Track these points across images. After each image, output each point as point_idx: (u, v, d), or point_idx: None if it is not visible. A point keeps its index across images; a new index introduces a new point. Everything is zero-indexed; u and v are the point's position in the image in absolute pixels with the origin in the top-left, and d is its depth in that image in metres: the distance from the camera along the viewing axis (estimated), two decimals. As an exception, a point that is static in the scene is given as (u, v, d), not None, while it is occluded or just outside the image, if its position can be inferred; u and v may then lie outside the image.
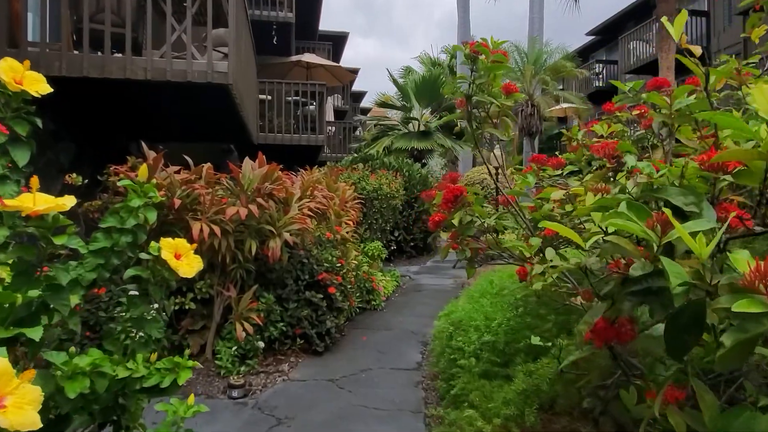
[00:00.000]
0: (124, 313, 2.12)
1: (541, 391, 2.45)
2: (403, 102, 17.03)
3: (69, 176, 5.00)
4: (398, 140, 15.68)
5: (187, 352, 4.55)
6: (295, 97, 13.10)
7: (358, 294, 6.63)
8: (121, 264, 1.93)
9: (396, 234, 10.83)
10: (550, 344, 2.87)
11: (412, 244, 11.51)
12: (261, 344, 4.74)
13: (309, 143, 12.69)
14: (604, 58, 25.87)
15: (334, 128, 19.70)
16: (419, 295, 8.09)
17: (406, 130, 17.00)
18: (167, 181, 4.61)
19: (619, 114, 3.28)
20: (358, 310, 6.57)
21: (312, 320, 5.14)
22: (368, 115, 20.76)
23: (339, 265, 5.59)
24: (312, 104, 13.12)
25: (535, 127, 13.58)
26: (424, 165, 14.54)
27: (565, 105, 16.46)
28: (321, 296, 5.18)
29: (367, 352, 5.29)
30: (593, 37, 26.13)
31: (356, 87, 30.56)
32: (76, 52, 5.52)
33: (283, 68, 15.21)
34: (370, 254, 8.13)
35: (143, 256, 1.98)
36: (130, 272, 1.97)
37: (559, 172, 3.05)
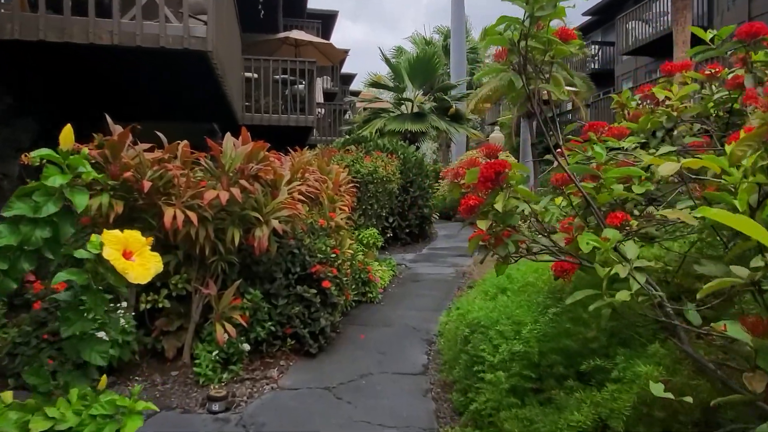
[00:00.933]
0: (62, 330, 1.51)
1: (608, 429, 1.91)
2: (396, 82, 16.32)
3: (25, 155, 4.35)
4: (391, 122, 15.01)
5: (134, 393, 3.99)
6: (283, 76, 12.37)
7: (353, 286, 6.06)
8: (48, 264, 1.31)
9: (391, 220, 10.25)
10: (601, 361, 2.32)
11: (407, 230, 10.94)
12: (246, 347, 4.16)
13: (298, 124, 12.01)
14: (600, 39, 25.29)
15: (323, 110, 19.00)
16: (418, 286, 7.54)
17: (399, 112, 16.33)
18: (136, 161, 3.97)
19: (686, 74, 2.71)
20: (353, 303, 6.00)
21: (304, 318, 4.57)
22: (359, 97, 20.04)
23: (334, 255, 5.01)
24: (301, 83, 12.41)
25: (534, 109, 12.99)
26: (417, 149, 13.93)
27: (568, 88, 15.80)
28: (314, 291, 4.60)
29: (366, 352, 4.73)
30: (590, 17, 25.49)
31: (345, 69, 29.77)
32: (31, 12, 4.82)
33: (271, 46, 14.45)
34: (365, 242, 7.55)
35: (81, 254, 1.38)
36: (60, 277, 1.39)
37: (623, 144, 2.48)
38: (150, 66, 6.14)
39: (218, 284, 4.19)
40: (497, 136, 11.03)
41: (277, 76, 12.42)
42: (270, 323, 4.35)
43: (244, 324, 4.09)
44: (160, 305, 4.11)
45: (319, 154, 6.97)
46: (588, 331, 2.61)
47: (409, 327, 5.50)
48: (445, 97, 15.80)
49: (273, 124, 11.86)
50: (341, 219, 5.82)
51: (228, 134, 4.21)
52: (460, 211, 2.34)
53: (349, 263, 5.77)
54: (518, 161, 16.57)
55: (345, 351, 4.76)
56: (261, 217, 4.07)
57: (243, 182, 3.91)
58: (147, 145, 4.14)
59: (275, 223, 4.04)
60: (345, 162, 7.80)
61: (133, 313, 4.11)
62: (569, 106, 24.66)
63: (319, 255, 4.79)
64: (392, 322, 5.72)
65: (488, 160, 2.33)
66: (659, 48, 18.54)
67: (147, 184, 3.73)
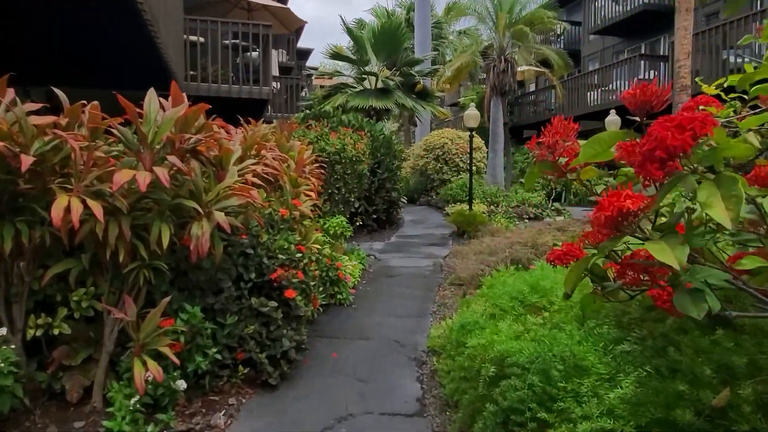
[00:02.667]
0: None
1: None
2: (359, 55, 15.09)
3: None
4: (354, 98, 13.81)
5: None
6: (234, 41, 10.99)
7: (320, 288, 5.01)
8: None
9: (357, 205, 9.19)
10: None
11: (374, 216, 9.90)
12: (181, 385, 3.04)
13: (251, 96, 10.69)
14: (565, 19, 24.69)
15: (278, 85, 17.60)
16: (393, 283, 6.54)
17: (362, 87, 15.15)
18: (15, 127, 2.75)
19: None
20: (320, 309, 4.94)
21: (261, 339, 3.48)
22: (317, 71, 18.66)
23: (299, 254, 3.92)
24: (255, 50, 11.06)
25: (508, 86, 12.10)
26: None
27: (524, 67, 15.05)
28: (275, 304, 3.51)
29: (341, 380, 3.69)
30: (555, -5, 24.78)
31: (302, 44, 28.16)
32: None
33: (220, 8, 12.95)
34: (331, 232, 6.48)
35: None
36: None
37: None
38: (59, 13, 4.81)
39: (140, 301, 3.03)
40: (473, 113, 10.07)
41: (228, 42, 11.02)
42: (215, 349, 3.24)
43: (176, 361, 2.96)
44: (56, 331, 2.93)
45: (278, 128, 5.80)
46: (715, 398, 1.66)
47: (391, 340, 4.49)
48: (412, 72, 14.71)
49: (222, 95, 10.52)
50: (306, 207, 4.72)
51: (152, 91, 3.02)
52: (592, 223, 1.34)
53: (315, 261, 4.69)
54: (488, 142, 15.74)
55: (314, 378, 3.70)
56: (200, 208, 2.93)
57: (173, 159, 2.75)
58: (35, 106, 2.91)
59: (220, 216, 2.91)
60: (308, 138, 6.65)
61: (20, 343, 2.93)
62: (533, 85, 24.12)
63: (280, 256, 3.69)
64: (369, 332, 4.70)
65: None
66: (628, 27, 18.03)
67: (27, 160, 2.53)
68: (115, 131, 2.93)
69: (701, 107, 1.68)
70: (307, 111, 10.92)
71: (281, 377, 3.54)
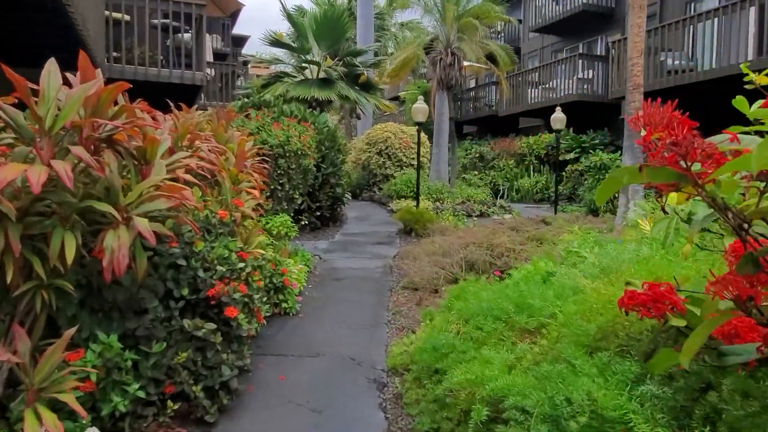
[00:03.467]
0: None
1: None
2: (300, 43, 14.38)
3: None
4: (295, 88, 13.10)
5: None
6: (164, 20, 10.04)
7: (264, 298, 4.44)
8: None
9: (300, 202, 8.61)
10: None
11: (318, 213, 9.34)
12: (93, 433, 2.43)
13: (183, 82, 9.82)
14: (505, 15, 24.86)
15: (213, 71, 16.56)
16: (341, 288, 6.05)
17: (303, 77, 14.46)
18: None
19: None
20: (264, 322, 4.38)
21: (196, 368, 2.91)
22: (254, 57, 17.67)
23: (242, 263, 3.36)
24: (187, 31, 10.16)
25: (455, 80, 11.84)
26: (324, 119, 12.24)
27: (470, 62, 14.85)
28: (212, 326, 2.94)
29: (292, 410, 3.18)
30: (496, -8, 24.92)
31: (238, 30, 26.89)
32: None
33: (147, -15, 11.84)
34: (274, 232, 5.89)
35: None
36: None
37: None
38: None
39: (38, 330, 2.39)
40: (421, 106, 9.71)
41: (156, 21, 10.06)
42: (137, 385, 2.63)
43: (82, 413, 2.33)
44: None
45: (214, 116, 5.14)
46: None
47: (345, 357, 4.01)
48: (355, 63, 14.18)
49: (151, 79, 9.58)
50: (249, 206, 4.13)
51: (52, 62, 2.36)
52: (730, 262, 0.90)
53: (259, 269, 4.12)
54: (432, 137, 15.47)
55: (260, 410, 3.16)
56: (118, 213, 2.32)
57: (77, 151, 2.13)
58: None
59: (142, 223, 2.31)
60: (248, 129, 6.01)
61: None
62: (475, 81, 24.17)
63: (219, 267, 3.11)
64: (320, 347, 4.19)
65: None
66: (568, 27, 18.30)
67: None
68: (1, 114, 2.26)
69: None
70: (246, 99, 10.16)
71: (220, 411, 2.98)
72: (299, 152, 6.35)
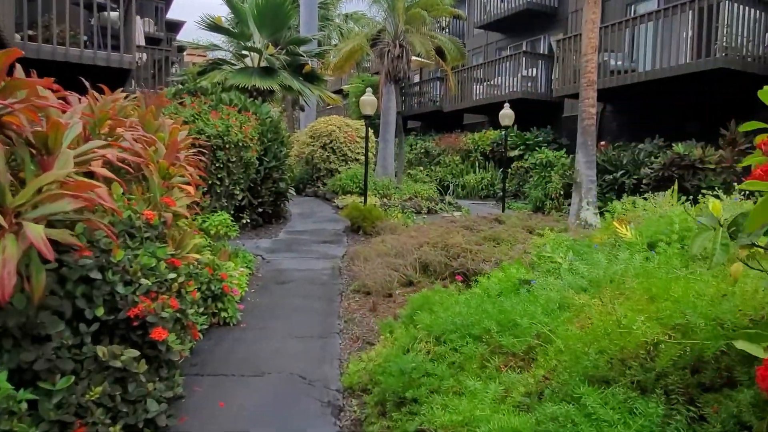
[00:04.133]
0: None
1: None
2: (240, 28, 13.59)
3: None
4: (235, 76, 12.34)
5: None
6: (86, -4, 9.08)
7: (201, 309, 3.93)
8: None
9: (240, 197, 8.02)
10: None
11: (260, 210, 8.77)
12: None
13: (110, 64, 8.95)
14: (435, 23, 24.82)
15: (145, 56, 15.47)
16: (287, 293, 5.57)
17: (243, 65, 13.68)
18: None
19: None
20: (201, 336, 3.86)
21: (115, 404, 2.39)
22: (190, 42, 16.55)
23: (173, 274, 2.84)
24: (114, 9, 9.27)
25: (403, 72, 11.49)
26: (265, 110, 11.55)
27: (419, 58, 14.57)
28: (134, 353, 2.42)
29: (233, 447, 2.71)
30: (441, -13, 24.81)
31: (172, 15, 25.49)
32: None
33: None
34: (212, 233, 5.33)
35: None
36: None
37: None
38: None
39: None
40: (369, 99, 9.31)
41: (78, -4, 9.09)
42: (35, 430, 2.09)
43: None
44: None
45: (142, 100, 4.51)
46: None
47: (295, 376, 3.56)
48: (299, 52, 13.57)
49: (72, 61, 8.66)
50: (182, 205, 3.59)
51: None
52: None
53: (194, 277, 3.60)
54: (378, 132, 15.06)
55: (195, 447, 2.67)
56: (3, 219, 1.78)
57: (-61, 135, 1.58)
58: None
59: (33, 231, 1.78)
60: (183, 116, 5.39)
61: None
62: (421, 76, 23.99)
63: (144, 280, 2.59)
64: (266, 364, 3.72)
65: None
66: (512, 25, 18.41)
67: None
68: None
69: None
70: (180, 85, 9.40)
71: (145, 453, 2.48)
72: (240, 144, 5.79)
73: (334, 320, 4.73)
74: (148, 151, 3.40)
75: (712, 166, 9.30)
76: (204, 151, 5.33)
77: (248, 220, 7.61)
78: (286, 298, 5.32)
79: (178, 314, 2.82)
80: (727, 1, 10.08)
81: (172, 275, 2.85)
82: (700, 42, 10.62)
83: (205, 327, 4.09)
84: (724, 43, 10.27)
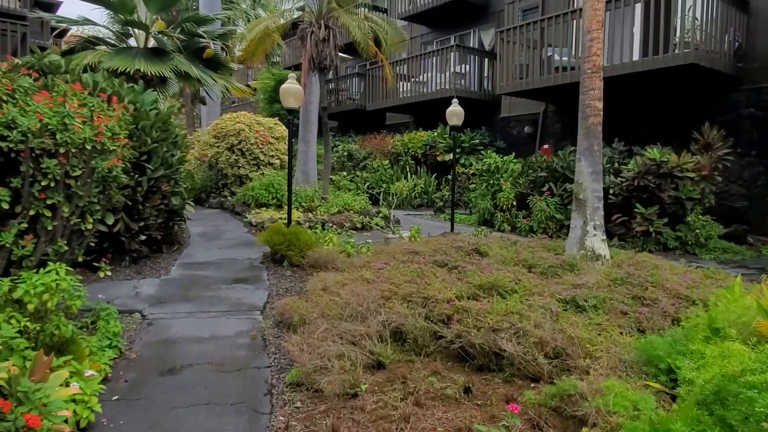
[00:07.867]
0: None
1: None
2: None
3: None
4: (112, 58, 9.60)
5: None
6: None
7: None
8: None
9: (111, 222, 5.53)
10: None
11: (143, 236, 6.31)
12: None
13: None
14: (370, 3, 22.94)
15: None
16: (177, 395, 3.32)
17: (125, 45, 10.90)
18: None
19: None
20: None
21: None
22: (56, 15, 13.26)
23: None
24: None
25: (329, 59, 9.37)
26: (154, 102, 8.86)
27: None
28: None
29: None
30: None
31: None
32: None
33: None
34: (33, 307, 2.95)
35: None
36: None
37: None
38: None
39: None
40: (293, 87, 7.13)
41: None
42: None
43: None
44: None
45: None
46: None
47: None
48: (199, 33, 11.02)
49: None
50: None
51: None
52: None
53: None
54: (296, 134, 12.76)
55: None
56: None
57: None
58: None
59: None
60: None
61: None
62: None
63: None
64: None
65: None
66: (439, 17, 16.91)
67: None
68: None
69: None
70: (27, 59, 6.64)
71: None
72: (92, 146, 3.41)
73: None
74: None
75: (692, 175, 8.13)
76: (19, 159, 2.94)
77: (129, 248, 5.14)
78: (174, 412, 3.08)
79: None
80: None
81: None
82: (647, 38, 9.53)
83: None
84: (685, 39, 9.21)
